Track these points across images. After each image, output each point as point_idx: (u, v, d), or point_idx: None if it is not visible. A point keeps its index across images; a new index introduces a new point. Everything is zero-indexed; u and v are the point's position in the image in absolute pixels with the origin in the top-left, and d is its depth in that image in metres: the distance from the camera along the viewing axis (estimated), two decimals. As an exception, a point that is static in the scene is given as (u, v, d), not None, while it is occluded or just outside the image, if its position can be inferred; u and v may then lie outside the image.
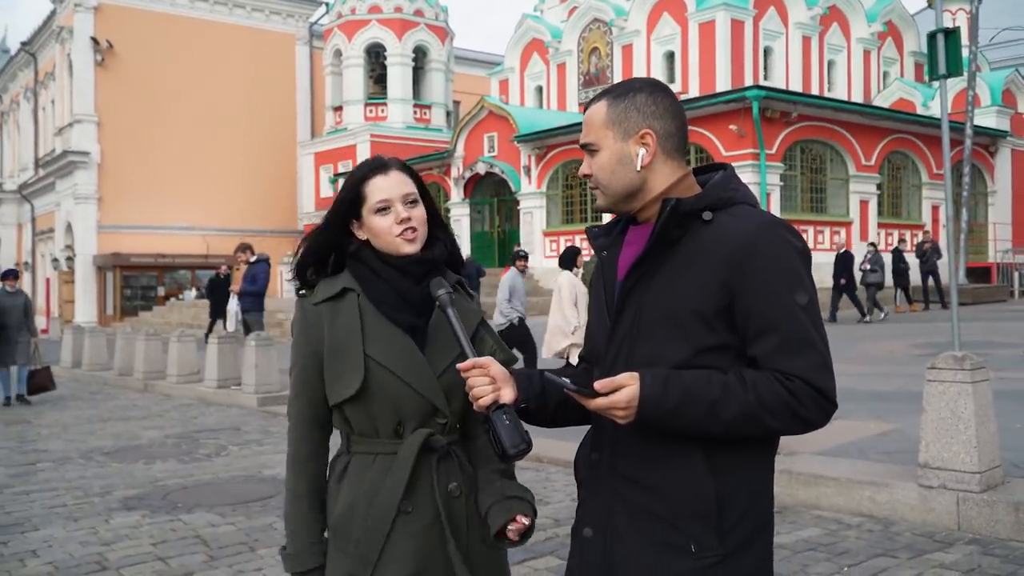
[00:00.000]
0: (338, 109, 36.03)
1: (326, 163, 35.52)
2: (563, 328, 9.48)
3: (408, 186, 2.15)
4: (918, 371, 6.55)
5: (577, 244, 24.15)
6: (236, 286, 15.09)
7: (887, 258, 21.11)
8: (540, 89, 33.70)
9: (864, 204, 24.22)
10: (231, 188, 36.78)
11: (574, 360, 8.53)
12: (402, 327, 2.10)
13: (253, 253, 14.62)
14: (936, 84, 22.59)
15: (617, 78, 30.08)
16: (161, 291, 35.23)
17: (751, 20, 27.89)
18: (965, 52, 17.77)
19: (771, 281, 1.73)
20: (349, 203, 2.15)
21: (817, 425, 1.75)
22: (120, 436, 9.91)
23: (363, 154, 33.57)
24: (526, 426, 1.86)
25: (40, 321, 37.10)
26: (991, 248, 27.92)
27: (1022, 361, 11.34)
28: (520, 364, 10.97)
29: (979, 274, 26.23)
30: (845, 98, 28.51)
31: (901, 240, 22.31)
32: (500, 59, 38.17)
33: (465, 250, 25.02)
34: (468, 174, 28.23)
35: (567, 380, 1.76)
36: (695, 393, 1.70)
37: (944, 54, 9.84)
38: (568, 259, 9.96)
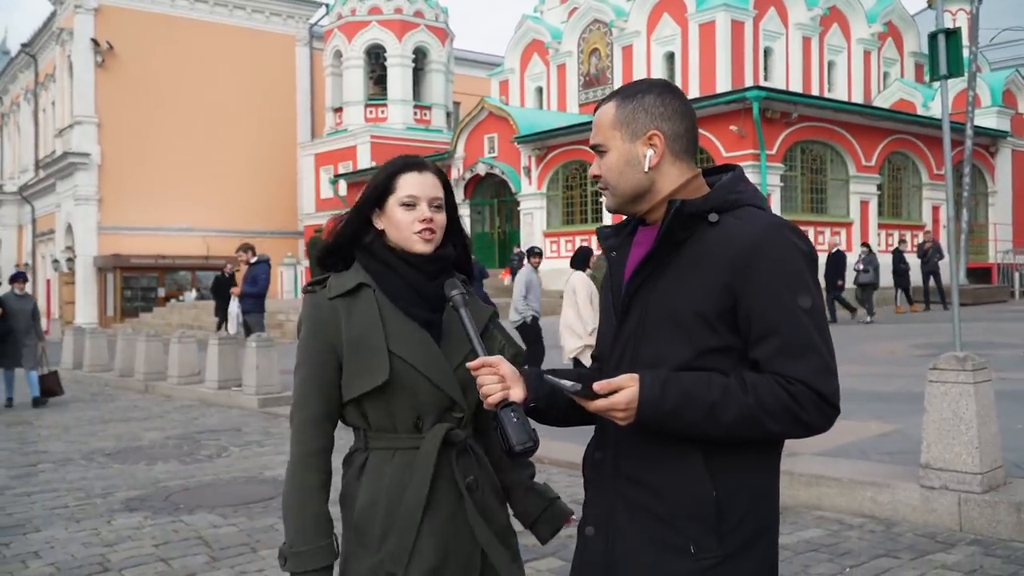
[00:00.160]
0: (338, 110, 36.05)
1: (326, 164, 35.53)
2: (576, 329, 9.47)
3: (438, 190, 2.17)
4: (919, 372, 6.56)
5: (578, 244, 24.23)
6: (237, 289, 15.00)
7: (886, 259, 21.13)
8: (540, 90, 33.70)
9: (864, 205, 24.23)
10: (231, 189, 36.79)
11: (586, 361, 8.53)
12: (418, 322, 2.12)
13: (254, 254, 14.63)
14: (937, 85, 22.59)
15: (617, 79, 30.09)
16: (161, 292, 35.22)
17: (751, 21, 27.89)
18: (965, 52, 17.80)
19: (774, 284, 1.73)
20: (379, 191, 2.17)
21: (819, 429, 1.75)
22: (121, 437, 9.91)
23: (363, 155, 33.62)
24: (535, 425, 1.87)
25: (41, 322, 37.17)
26: (991, 248, 27.93)
27: (1023, 362, 11.34)
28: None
29: (979, 274, 26.24)
30: (845, 99, 28.51)
31: (901, 241, 22.31)
32: (500, 60, 38.18)
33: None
34: (468, 175, 28.24)
35: (566, 382, 1.77)
36: (694, 395, 1.70)
37: (945, 55, 9.84)
38: (580, 259, 9.96)
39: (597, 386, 1.71)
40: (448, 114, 37.29)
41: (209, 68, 36.76)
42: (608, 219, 24.06)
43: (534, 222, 26.72)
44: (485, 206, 29.57)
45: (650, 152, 1.85)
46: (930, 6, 28.36)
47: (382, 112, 35.24)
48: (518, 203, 27.24)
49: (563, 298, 9.80)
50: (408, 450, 2.08)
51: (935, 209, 25.76)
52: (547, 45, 32.90)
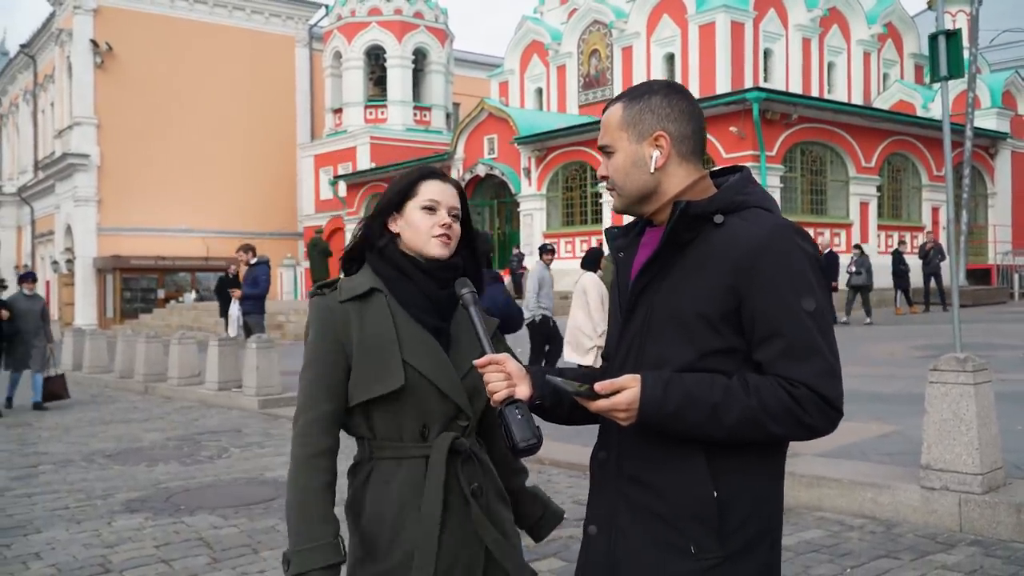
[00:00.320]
0: (338, 111, 36.06)
1: (326, 165, 35.54)
2: (586, 330, 9.47)
3: (456, 201, 2.21)
4: (919, 373, 6.57)
5: (578, 245, 24.21)
6: (237, 292, 14.89)
7: (884, 260, 21.14)
8: (540, 91, 33.72)
9: (864, 206, 24.24)
10: (231, 190, 36.79)
11: (596, 362, 8.53)
12: (428, 329, 2.13)
13: (255, 255, 14.65)
14: (937, 86, 22.60)
15: (617, 80, 30.12)
16: (161, 294, 35.22)
17: (751, 22, 27.90)
18: (965, 54, 17.80)
19: (779, 286, 1.73)
20: (401, 195, 2.20)
21: (822, 432, 1.75)
22: (121, 438, 9.91)
23: (363, 156, 33.63)
24: (540, 423, 1.88)
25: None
26: (991, 250, 27.94)
27: (1023, 363, 11.34)
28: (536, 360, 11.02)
29: (979, 276, 26.25)
30: (845, 100, 28.53)
31: (901, 242, 22.31)
32: (500, 61, 38.20)
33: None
34: (468, 176, 28.25)
35: (568, 382, 1.78)
36: (696, 396, 1.70)
37: (945, 56, 9.84)
38: (591, 261, 9.95)
39: (598, 386, 1.72)
40: (448, 115, 37.30)
41: (208, 69, 36.77)
42: (608, 220, 24.10)
43: (534, 223, 26.73)
44: (485, 207, 29.58)
45: (656, 153, 1.85)
46: (930, 7, 28.42)
47: (382, 113, 35.26)
48: (518, 204, 27.25)
49: (572, 299, 9.79)
50: (415, 459, 2.08)
51: (935, 210, 25.78)
52: (547, 46, 32.92)
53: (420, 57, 35.91)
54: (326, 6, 38.05)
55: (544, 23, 33.78)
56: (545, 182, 26.46)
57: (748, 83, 26.30)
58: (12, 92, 48.59)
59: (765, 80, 27.98)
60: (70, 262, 36.21)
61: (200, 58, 36.60)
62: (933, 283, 21.12)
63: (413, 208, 2.17)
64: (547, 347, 11.21)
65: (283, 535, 5.67)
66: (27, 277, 13.31)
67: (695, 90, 26.97)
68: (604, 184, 1.96)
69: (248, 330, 14.16)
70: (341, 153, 34.81)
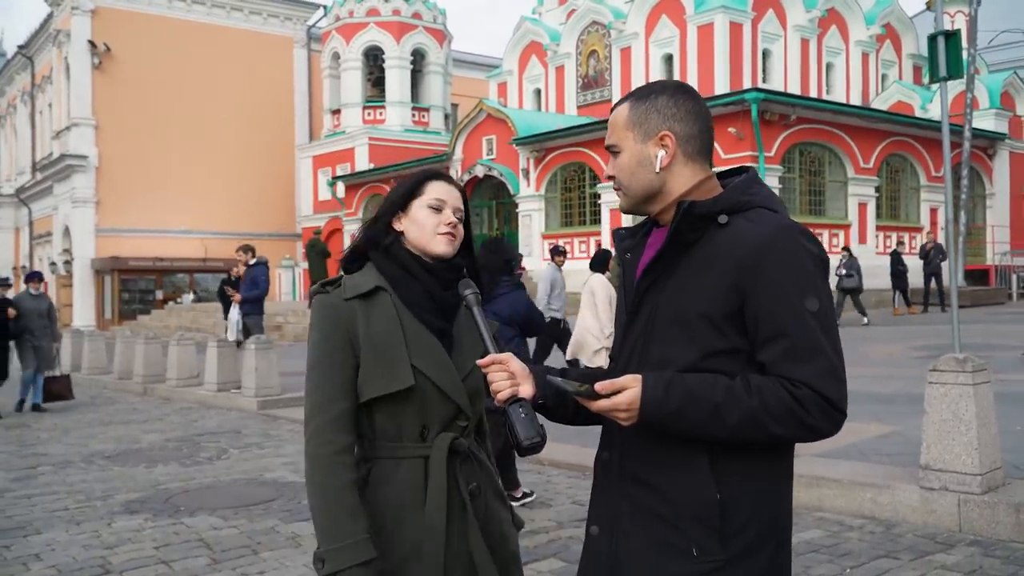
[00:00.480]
0: (336, 112, 36.04)
1: (324, 166, 35.53)
2: (593, 331, 9.49)
3: (461, 203, 2.23)
4: (918, 373, 6.58)
5: (576, 246, 24.22)
6: (237, 296, 14.70)
7: (881, 261, 21.14)
8: (538, 92, 33.70)
9: (863, 207, 24.25)
10: (229, 191, 36.78)
11: (606, 364, 8.55)
12: (432, 330, 2.14)
13: (254, 255, 14.65)
14: (935, 86, 22.61)
15: (616, 81, 30.12)
16: (159, 295, 35.22)
17: (749, 23, 27.91)
18: (964, 55, 17.84)
19: (782, 286, 1.72)
20: (406, 194, 2.22)
21: (825, 434, 1.74)
22: (121, 440, 9.91)
23: (361, 157, 33.62)
24: (543, 421, 1.90)
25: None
26: (989, 250, 27.95)
27: (1021, 363, 11.35)
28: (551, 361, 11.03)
29: (977, 276, 26.26)
30: (844, 101, 28.54)
31: (899, 243, 22.33)
32: (498, 62, 38.19)
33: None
34: (466, 177, 28.23)
35: (569, 382, 1.78)
36: (698, 397, 1.69)
37: (945, 56, 9.85)
38: (599, 262, 9.96)
39: (599, 386, 1.72)
40: (446, 116, 37.28)
41: (207, 70, 36.76)
42: (606, 221, 24.13)
43: (532, 224, 26.72)
44: (483, 208, 29.57)
45: (662, 153, 1.86)
46: (928, 8, 28.45)
47: (380, 114, 35.24)
48: (516, 205, 27.24)
49: (581, 301, 9.80)
50: (414, 460, 2.09)
51: (933, 211, 25.78)
52: (545, 47, 32.91)
53: (418, 58, 35.89)
54: (324, 7, 38.03)
55: (543, 24, 33.78)
56: (544, 183, 26.45)
57: (747, 84, 26.31)
58: (10, 93, 48.54)
59: (763, 81, 27.98)
60: (68, 263, 36.18)
61: (198, 59, 36.58)
62: (933, 284, 21.13)
63: (419, 207, 2.18)
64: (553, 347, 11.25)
65: (283, 536, 5.68)
66: (33, 276, 13.25)
67: (693, 91, 26.98)
68: (611, 184, 1.96)
69: (247, 331, 14.14)
70: (339, 154, 34.79)
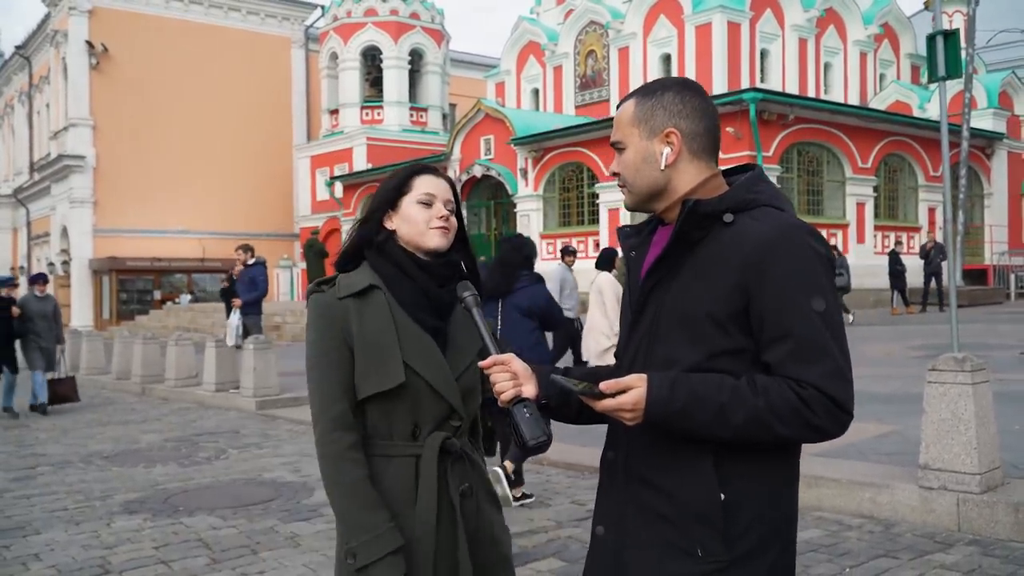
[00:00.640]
0: (334, 112, 36.03)
1: (322, 166, 35.52)
2: (603, 329, 9.49)
3: (451, 195, 2.22)
4: (916, 373, 6.58)
5: (574, 246, 24.22)
6: (238, 301, 14.61)
7: (883, 261, 21.15)
8: (536, 92, 33.69)
9: (861, 206, 24.25)
10: (227, 191, 36.77)
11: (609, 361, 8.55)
12: (426, 328, 2.13)
13: (253, 255, 14.65)
14: (933, 86, 22.61)
15: (613, 81, 30.12)
16: (157, 295, 35.22)
17: (747, 22, 27.91)
18: (962, 54, 17.86)
19: (788, 286, 1.71)
20: (394, 192, 2.21)
21: (831, 435, 1.73)
22: (119, 440, 9.90)
23: (359, 157, 33.61)
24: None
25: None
26: (987, 250, 27.98)
27: (1019, 363, 11.36)
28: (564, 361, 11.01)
29: (975, 276, 26.29)
30: (842, 100, 28.55)
31: (898, 242, 22.34)
32: (496, 62, 38.18)
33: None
34: (465, 177, 28.23)
35: (573, 382, 1.78)
36: (703, 396, 1.69)
37: (943, 56, 9.85)
38: (606, 260, 9.97)
39: (604, 386, 1.71)
40: (444, 116, 37.27)
41: (204, 70, 36.74)
42: (605, 221, 24.13)
43: (531, 224, 26.72)
44: (481, 208, 29.57)
45: (667, 150, 1.84)
46: (927, 8, 28.42)
47: (378, 114, 35.22)
48: (515, 205, 27.24)
49: (589, 299, 9.81)
50: (404, 458, 2.09)
51: (931, 211, 25.80)
52: (543, 47, 32.91)
53: (416, 58, 35.88)
54: (322, 7, 38.02)
55: (540, 24, 33.77)
56: (542, 183, 26.45)
57: (744, 84, 26.31)
58: (7, 94, 48.49)
59: (761, 81, 27.98)
60: (66, 264, 36.16)
61: (196, 59, 36.57)
62: (933, 283, 21.14)
63: (409, 203, 2.17)
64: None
65: (282, 535, 5.68)
66: (38, 278, 13.17)
67: (692, 91, 26.99)
68: (614, 182, 1.97)
69: (246, 331, 14.12)
70: (337, 154, 34.78)
